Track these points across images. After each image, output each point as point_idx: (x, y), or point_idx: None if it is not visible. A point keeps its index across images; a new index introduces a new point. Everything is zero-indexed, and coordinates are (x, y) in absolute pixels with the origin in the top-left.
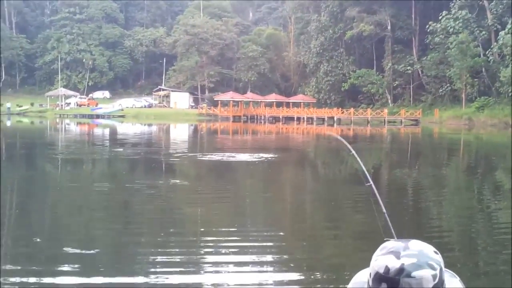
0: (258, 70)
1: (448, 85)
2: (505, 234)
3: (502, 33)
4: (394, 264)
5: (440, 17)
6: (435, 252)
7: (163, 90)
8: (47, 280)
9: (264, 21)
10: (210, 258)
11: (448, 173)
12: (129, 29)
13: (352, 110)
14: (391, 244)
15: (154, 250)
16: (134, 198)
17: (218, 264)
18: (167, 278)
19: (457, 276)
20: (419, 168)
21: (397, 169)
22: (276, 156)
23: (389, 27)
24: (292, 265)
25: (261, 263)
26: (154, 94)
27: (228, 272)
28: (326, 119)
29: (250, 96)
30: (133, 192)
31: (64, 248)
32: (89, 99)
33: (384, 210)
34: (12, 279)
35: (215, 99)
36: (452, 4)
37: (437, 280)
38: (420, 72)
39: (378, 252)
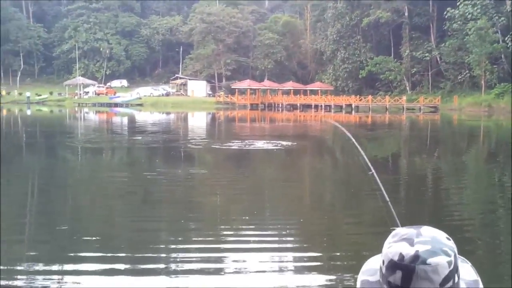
0: (274, 58)
1: (467, 71)
2: None
3: None
4: (408, 251)
5: (458, 3)
6: (448, 238)
7: (180, 78)
8: (68, 267)
9: (280, 9)
10: (231, 243)
11: (468, 161)
12: (145, 18)
13: (370, 97)
14: (403, 230)
15: (174, 238)
16: (153, 187)
17: (239, 242)
18: (186, 264)
19: (468, 261)
20: (439, 155)
21: (416, 156)
22: (295, 143)
23: (406, 14)
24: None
25: (281, 264)
26: (172, 83)
27: (249, 253)
28: (344, 106)
29: (267, 84)
30: (152, 180)
31: (84, 238)
32: (107, 88)
33: (388, 199)
34: (35, 267)
35: (232, 87)
36: None
37: (452, 266)
38: (438, 59)
39: (390, 239)
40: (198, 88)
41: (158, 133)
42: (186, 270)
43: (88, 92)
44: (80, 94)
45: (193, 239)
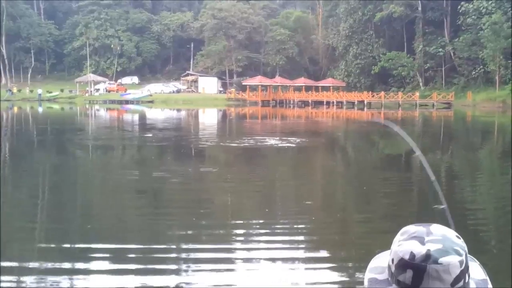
0: (286, 54)
1: (481, 67)
2: None
3: None
4: (419, 250)
5: None
6: (457, 236)
7: (191, 75)
8: (78, 265)
9: (292, 4)
10: (242, 237)
11: (482, 157)
12: (156, 14)
13: (382, 93)
14: (413, 228)
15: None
16: (164, 184)
17: (250, 235)
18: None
19: (476, 260)
20: (453, 151)
21: (431, 152)
22: (308, 140)
23: (419, 8)
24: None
25: (292, 260)
26: (182, 79)
27: (260, 248)
28: (356, 103)
29: (278, 80)
30: (163, 178)
31: (94, 235)
32: (118, 85)
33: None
34: (45, 262)
35: (243, 83)
36: None
37: (463, 266)
38: (452, 54)
39: (399, 237)
40: (209, 85)
41: (169, 130)
42: (197, 268)
43: (99, 89)
44: (91, 91)
45: (204, 237)
